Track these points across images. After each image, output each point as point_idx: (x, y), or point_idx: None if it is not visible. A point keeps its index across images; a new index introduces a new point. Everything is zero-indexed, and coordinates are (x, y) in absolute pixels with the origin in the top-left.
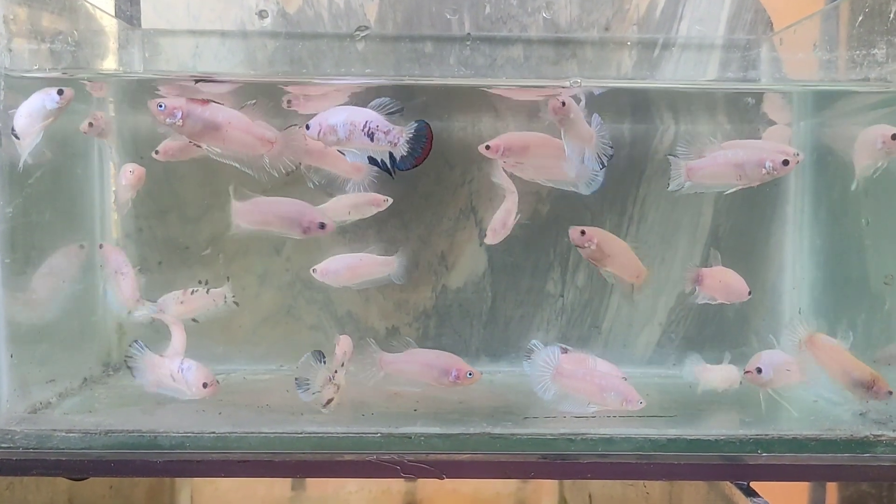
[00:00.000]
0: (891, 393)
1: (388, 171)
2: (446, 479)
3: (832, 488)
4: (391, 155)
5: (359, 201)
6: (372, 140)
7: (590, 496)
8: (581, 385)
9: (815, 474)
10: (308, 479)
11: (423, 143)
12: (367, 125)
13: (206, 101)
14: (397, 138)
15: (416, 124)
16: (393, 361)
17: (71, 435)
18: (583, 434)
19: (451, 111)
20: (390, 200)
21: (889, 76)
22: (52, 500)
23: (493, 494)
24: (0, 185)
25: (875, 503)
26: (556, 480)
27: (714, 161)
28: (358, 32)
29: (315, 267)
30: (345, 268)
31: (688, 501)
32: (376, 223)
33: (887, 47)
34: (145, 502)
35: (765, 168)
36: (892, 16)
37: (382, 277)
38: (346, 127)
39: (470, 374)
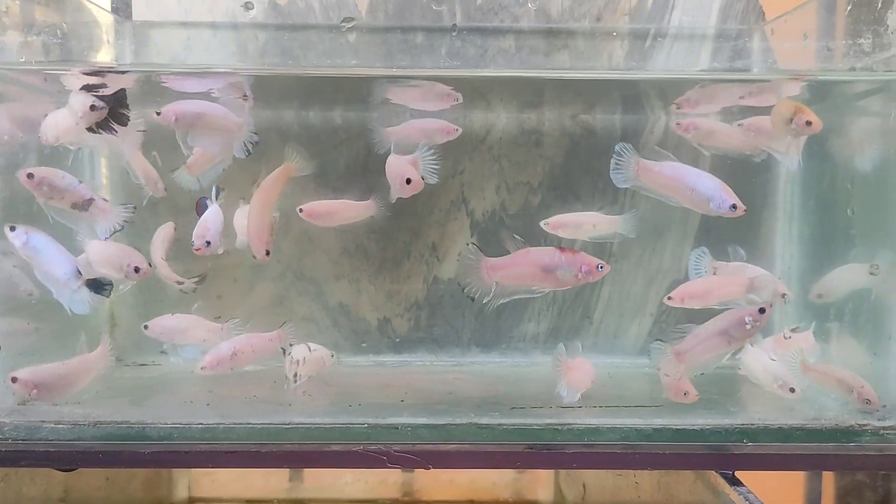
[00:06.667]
0: (868, 402)
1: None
2: (442, 471)
3: (828, 478)
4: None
5: (430, 127)
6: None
7: (584, 486)
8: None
9: (800, 464)
10: (305, 470)
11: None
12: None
13: None
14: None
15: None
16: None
17: (60, 426)
18: (569, 424)
19: None
20: (460, 130)
21: (874, 66)
22: (47, 492)
23: (490, 485)
24: None
25: (870, 492)
26: (552, 471)
27: None
28: (344, 24)
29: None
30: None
31: (676, 490)
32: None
33: (873, 37)
34: (142, 494)
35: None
36: (878, 5)
37: None
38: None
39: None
